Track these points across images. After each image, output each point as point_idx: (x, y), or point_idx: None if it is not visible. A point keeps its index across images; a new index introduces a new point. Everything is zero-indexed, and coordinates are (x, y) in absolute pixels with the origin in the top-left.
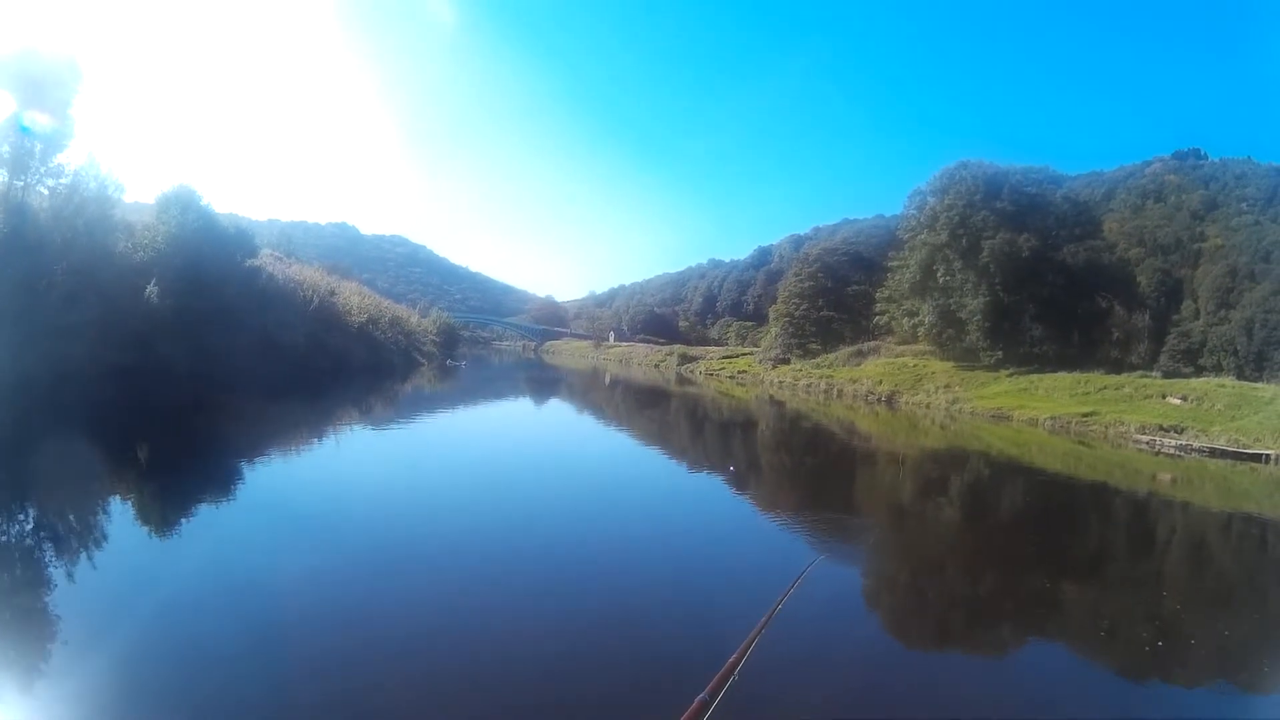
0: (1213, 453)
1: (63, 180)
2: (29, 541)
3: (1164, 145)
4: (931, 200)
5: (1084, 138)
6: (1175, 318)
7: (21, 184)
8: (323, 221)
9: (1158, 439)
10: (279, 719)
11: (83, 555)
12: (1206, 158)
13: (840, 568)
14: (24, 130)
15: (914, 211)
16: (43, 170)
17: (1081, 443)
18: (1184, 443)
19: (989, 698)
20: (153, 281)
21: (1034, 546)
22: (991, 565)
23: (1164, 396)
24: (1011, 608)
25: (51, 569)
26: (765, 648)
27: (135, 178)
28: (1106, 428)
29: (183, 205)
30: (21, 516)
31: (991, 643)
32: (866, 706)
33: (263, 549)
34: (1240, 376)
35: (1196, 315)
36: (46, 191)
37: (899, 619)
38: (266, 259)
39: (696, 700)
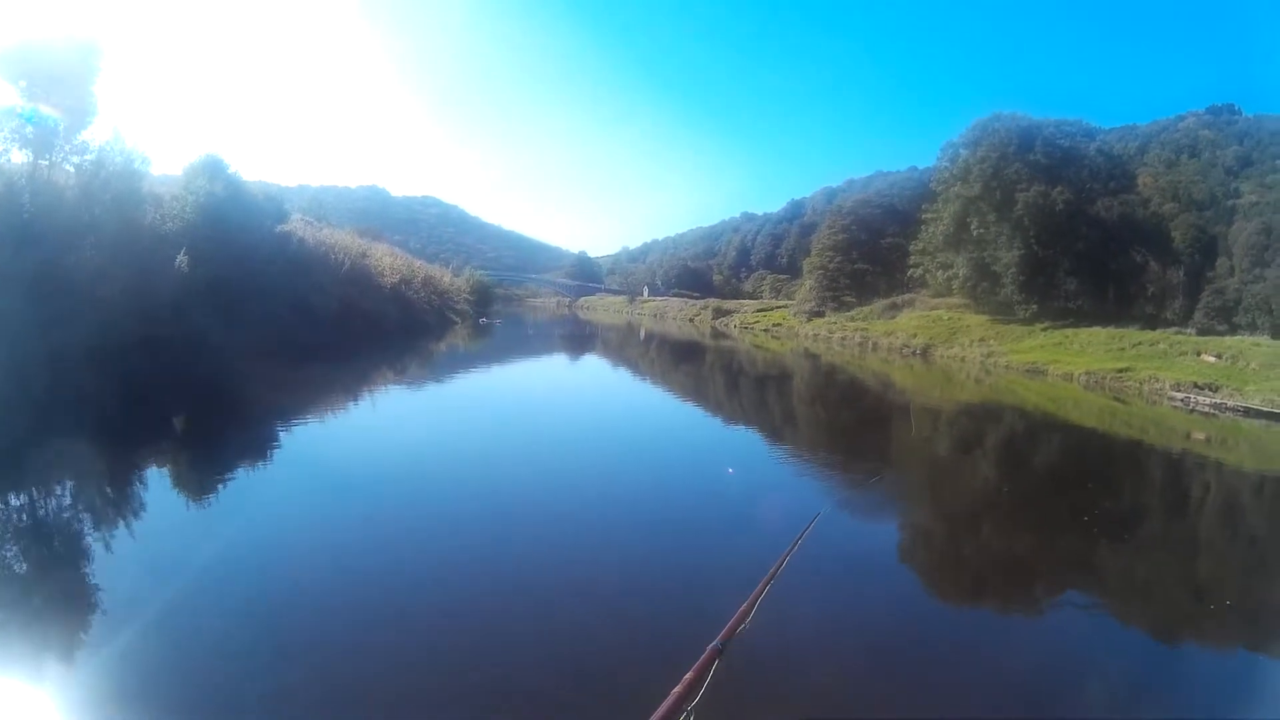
0: (1247, 412)
1: (88, 157)
2: (67, 514)
3: (1198, 99)
4: (964, 152)
5: (1118, 91)
6: (1210, 274)
7: (47, 163)
8: (353, 185)
9: (1192, 396)
10: (302, 679)
11: (121, 525)
12: (1240, 113)
13: (859, 519)
14: (27, 118)
15: (947, 163)
16: (67, 148)
17: (1117, 399)
18: (1219, 401)
19: (1012, 652)
20: (182, 251)
21: (1066, 503)
22: (1020, 520)
23: (1198, 354)
24: (1039, 563)
25: (89, 539)
26: (777, 597)
27: (163, 150)
28: (1142, 384)
29: (210, 174)
30: (59, 490)
31: (1017, 598)
32: (873, 655)
33: (299, 512)
34: (1275, 336)
35: (1231, 272)
36: (72, 169)
37: (920, 570)
38: (297, 224)
39: (709, 648)
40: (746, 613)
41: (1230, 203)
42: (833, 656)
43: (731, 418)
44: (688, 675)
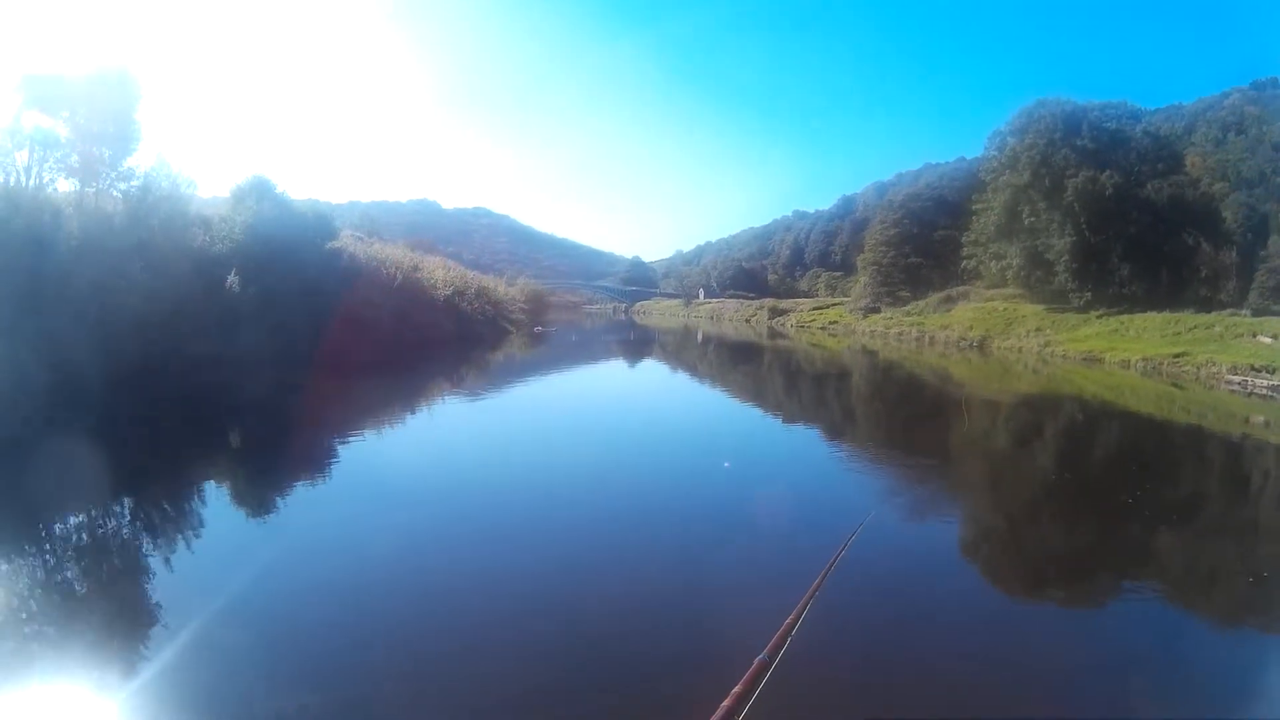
0: None
1: (134, 183)
2: (126, 531)
3: (1241, 75)
4: (1011, 140)
5: (1160, 69)
6: (1263, 254)
7: (93, 190)
8: (403, 199)
9: (1250, 379)
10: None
11: (179, 540)
12: None
13: (911, 519)
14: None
15: (995, 152)
16: (113, 175)
17: (1174, 384)
18: (1276, 384)
19: (1071, 649)
20: (233, 272)
21: (1126, 492)
22: (1081, 513)
23: (1254, 335)
24: (1100, 559)
25: (149, 555)
26: (826, 604)
27: (211, 173)
28: (1198, 368)
29: (258, 195)
30: (117, 507)
31: (1078, 597)
32: (927, 662)
33: (361, 523)
34: None
35: None
36: (119, 195)
37: (975, 571)
38: (347, 240)
39: (756, 661)
40: (794, 622)
41: (1279, 179)
42: (884, 664)
43: (789, 417)
44: (736, 688)
